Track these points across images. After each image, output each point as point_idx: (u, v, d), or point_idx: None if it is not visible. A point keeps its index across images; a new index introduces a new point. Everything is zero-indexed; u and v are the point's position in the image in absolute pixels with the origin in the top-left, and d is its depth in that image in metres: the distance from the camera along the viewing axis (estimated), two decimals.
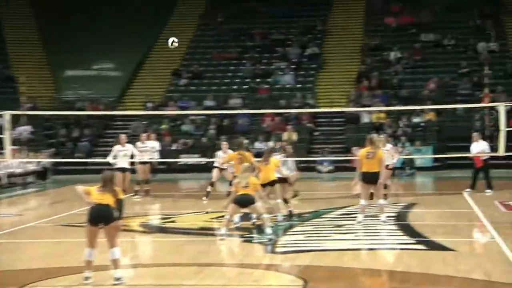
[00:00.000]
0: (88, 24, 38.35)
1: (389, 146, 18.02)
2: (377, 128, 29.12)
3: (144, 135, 21.24)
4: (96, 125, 32.66)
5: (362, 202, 13.82)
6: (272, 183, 14.27)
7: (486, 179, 19.62)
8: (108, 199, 9.34)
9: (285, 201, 15.02)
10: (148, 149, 20.74)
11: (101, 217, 9.30)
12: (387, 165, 18.00)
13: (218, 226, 13.95)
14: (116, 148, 19.38)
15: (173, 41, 15.18)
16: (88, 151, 30.54)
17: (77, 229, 13.80)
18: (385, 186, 17.96)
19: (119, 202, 9.41)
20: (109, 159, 19.33)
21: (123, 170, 18.87)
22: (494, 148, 22.02)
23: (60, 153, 30.31)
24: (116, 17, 38.80)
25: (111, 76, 36.79)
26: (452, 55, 34.74)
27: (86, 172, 28.34)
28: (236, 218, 13.87)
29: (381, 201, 13.74)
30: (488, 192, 19.37)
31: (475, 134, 19.94)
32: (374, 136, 14.09)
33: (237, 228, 13.66)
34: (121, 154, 19.21)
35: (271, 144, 28.00)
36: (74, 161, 27.95)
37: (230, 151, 17.51)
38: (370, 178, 13.75)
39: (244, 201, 12.71)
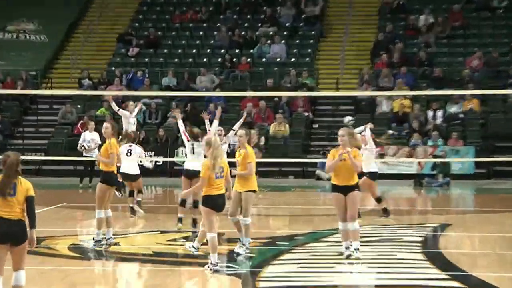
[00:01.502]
0: None
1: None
2: (400, 119, 29.29)
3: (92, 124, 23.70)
4: (12, 109, 32.56)
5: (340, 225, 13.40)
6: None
7: None
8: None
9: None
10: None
11: (11, 233, 9.12)
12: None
13: (183, 252, 13.97)
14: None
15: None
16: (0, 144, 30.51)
17: None
18: (378, 200, 18.01)
19: (29, 201, 9.12)
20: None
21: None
22: None
23: None
24: None
25: (34, 42, 36.68)
26: (503, 21, 34.97)
27: None
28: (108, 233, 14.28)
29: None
30: None
31: None
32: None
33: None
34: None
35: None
36: None
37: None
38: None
39: (220, 206, 12.22)
